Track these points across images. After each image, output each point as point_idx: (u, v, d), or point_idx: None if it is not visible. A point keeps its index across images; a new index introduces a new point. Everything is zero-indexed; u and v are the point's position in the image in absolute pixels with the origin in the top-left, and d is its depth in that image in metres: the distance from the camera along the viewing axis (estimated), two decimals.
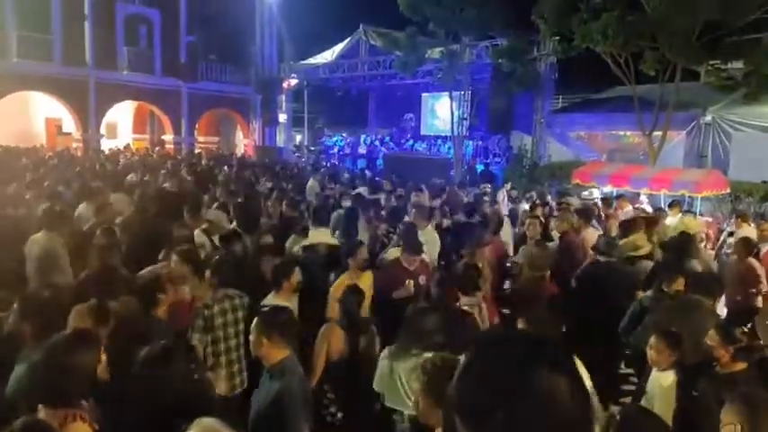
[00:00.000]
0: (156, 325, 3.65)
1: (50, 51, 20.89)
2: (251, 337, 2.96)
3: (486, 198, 10.25)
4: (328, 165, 20.65)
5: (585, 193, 11.92)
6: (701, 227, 8.23)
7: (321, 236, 6.08)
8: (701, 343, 3.36)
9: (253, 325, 2.96)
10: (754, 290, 5.95)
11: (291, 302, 4.34)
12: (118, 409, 2.42)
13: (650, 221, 7.12)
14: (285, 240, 6.14)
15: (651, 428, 2.51)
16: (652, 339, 3.45)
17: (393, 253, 5.83)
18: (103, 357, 2.53)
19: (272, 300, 4.31)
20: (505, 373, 0.88)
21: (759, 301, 5.97)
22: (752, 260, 6.07)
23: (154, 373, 2.42)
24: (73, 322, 3.52)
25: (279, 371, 2.88)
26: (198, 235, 6.01)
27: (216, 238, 5.98)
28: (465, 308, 4.27)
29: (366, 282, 4.92)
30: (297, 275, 4.38)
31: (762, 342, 5.38)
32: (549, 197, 10.98)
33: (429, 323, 3.47)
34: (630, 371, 5.16)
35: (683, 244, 5.78)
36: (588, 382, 0.90)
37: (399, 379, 3.41)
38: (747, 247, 6.15)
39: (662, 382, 3.32)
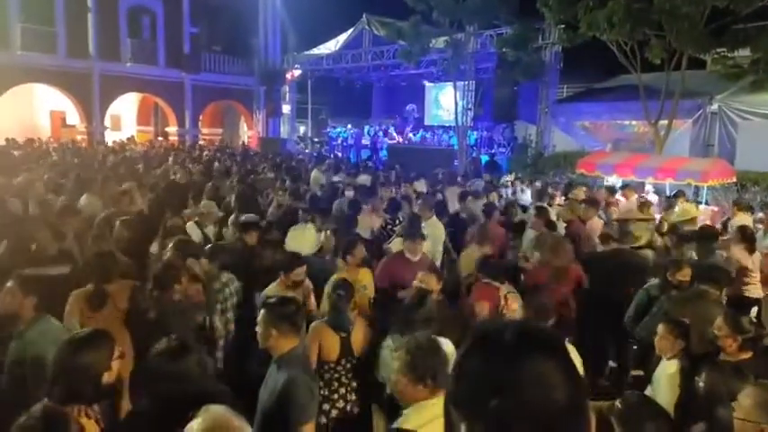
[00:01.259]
0: (174, 307, 3.71)
1: (54, 43, 20.88)
2: (258, 329, 2.92)
3: (506, 189, 10.27)
4: (332, 156, 20.62)
5: (608, 182, 11.77)
6: (698, 212, 8.20)
7: (301, 235, 6.04)
8: (708, 333, 3.35)
9: (260, 317, 2.93)
10: (745, 279, 5.88)
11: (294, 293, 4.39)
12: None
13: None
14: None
15: (652, 416, 2.52)
16: (659, 328, 3.48)
17: (397, 244, 5.82)
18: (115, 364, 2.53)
19: (272, 289, 4.35)
20: (499, 362, 0.89)
21: (751, 291, 5.90)
22: (738, 250, 5.91)
23: (168, 367, 2.43)
24: (69, 307, 3.59)
25: (286, 361, 2.87)
26: (190, 226, 6.06)
27: (207, 230, 6.07)
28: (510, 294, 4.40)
29: (365, 278, 4.90)
30: (298, 274, 4.35)
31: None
32: (549, 188, 10.94)
33: (425, 311, 3.56)
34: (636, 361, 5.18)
35: (710, 237, 5.75)
36: (581, 370, 0.91)
37: None
38: (743, 235, 5.98)
39: (667, 370, 3.33)
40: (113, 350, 2.49)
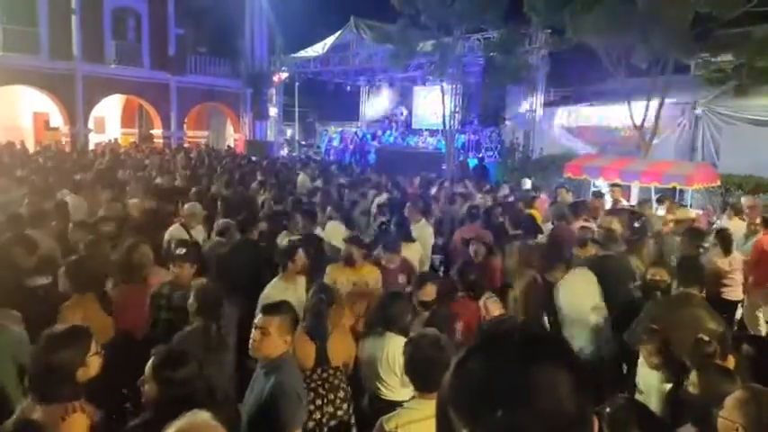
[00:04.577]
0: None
1: (37, 45, 20.58)
2: (266, 336, 2.81)
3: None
4: (321, 159, 20.56)
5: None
6: (693, 214, 8.27)
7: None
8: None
9: (272, 323, 2.82)
10: (721, 281, 5.92)
11: (297, 284, 4.36)
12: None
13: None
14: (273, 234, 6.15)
15: (641, 420, 2.50)
16: (645, 337, 3.48)
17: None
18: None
19: (277, 282, 4.35)
20: (505, 370, 0.84)
21: (728, 293, 5.96)
22: (714, 252, 5.95)
23: (174, 375, 2.39)
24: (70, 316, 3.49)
25: (276, 367, 2.83)
26: (176, 229, 5.98)
27: (194, 231, 6.02)
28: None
29: (371, 275, 4.84)
30: (301, 258, 4.40)
31: (751, 332, 5.37)
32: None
33: (395, 309, 3.60)
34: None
35: (696, 236, 5.80)
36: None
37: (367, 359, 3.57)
38: (719, 238, 6.02)
39: (656, 376, 3.33)
40: (90, 347, 2.45)
